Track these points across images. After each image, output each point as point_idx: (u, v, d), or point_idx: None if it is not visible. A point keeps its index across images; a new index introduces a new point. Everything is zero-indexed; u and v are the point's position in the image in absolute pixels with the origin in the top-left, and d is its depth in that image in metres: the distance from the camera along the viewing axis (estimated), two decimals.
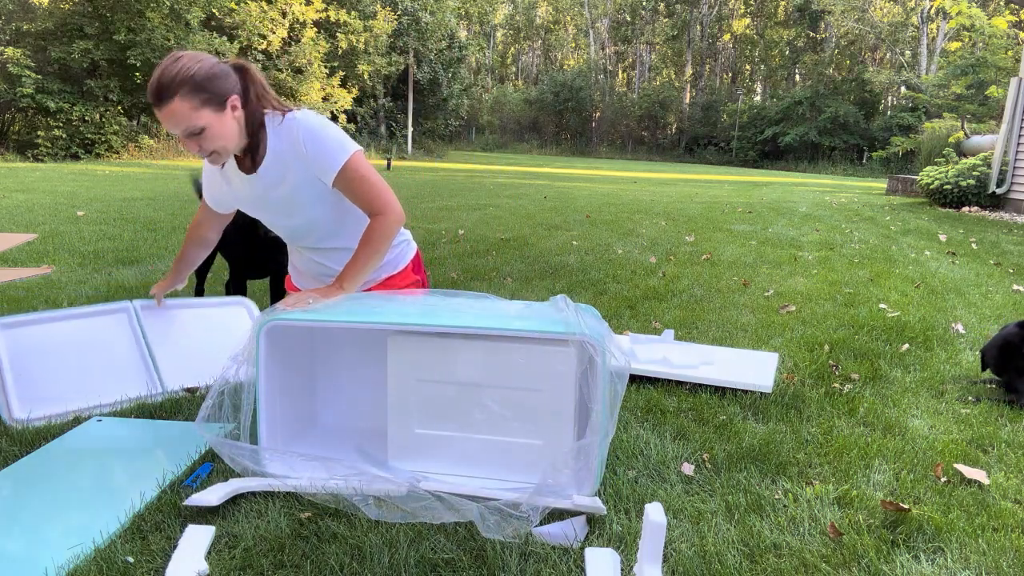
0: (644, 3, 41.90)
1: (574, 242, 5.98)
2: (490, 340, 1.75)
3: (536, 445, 1.77)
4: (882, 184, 17.41)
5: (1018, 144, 9.40)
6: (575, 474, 1.67)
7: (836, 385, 2.62)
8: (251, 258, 3.03)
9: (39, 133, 15.73)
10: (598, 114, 42.23)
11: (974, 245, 6.42)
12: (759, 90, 42.72)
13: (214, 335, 2.61)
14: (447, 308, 1.87)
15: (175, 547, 1.47)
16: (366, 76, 25.90)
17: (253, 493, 1.72)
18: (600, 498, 1.73)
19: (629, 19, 43.70)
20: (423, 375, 1.82)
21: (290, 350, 1.97)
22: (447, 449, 1.84)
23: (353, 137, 2.01)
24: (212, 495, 1.63)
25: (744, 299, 4.03)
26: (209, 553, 1.48)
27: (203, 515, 1.62)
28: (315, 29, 22.96)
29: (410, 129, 29.60)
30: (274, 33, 21.09)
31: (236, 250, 3.04)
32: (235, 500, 1.69)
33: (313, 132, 1.90)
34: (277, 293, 3.12)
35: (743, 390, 2.47)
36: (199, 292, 3.49)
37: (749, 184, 16.57)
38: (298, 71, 22.33)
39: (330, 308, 1.84)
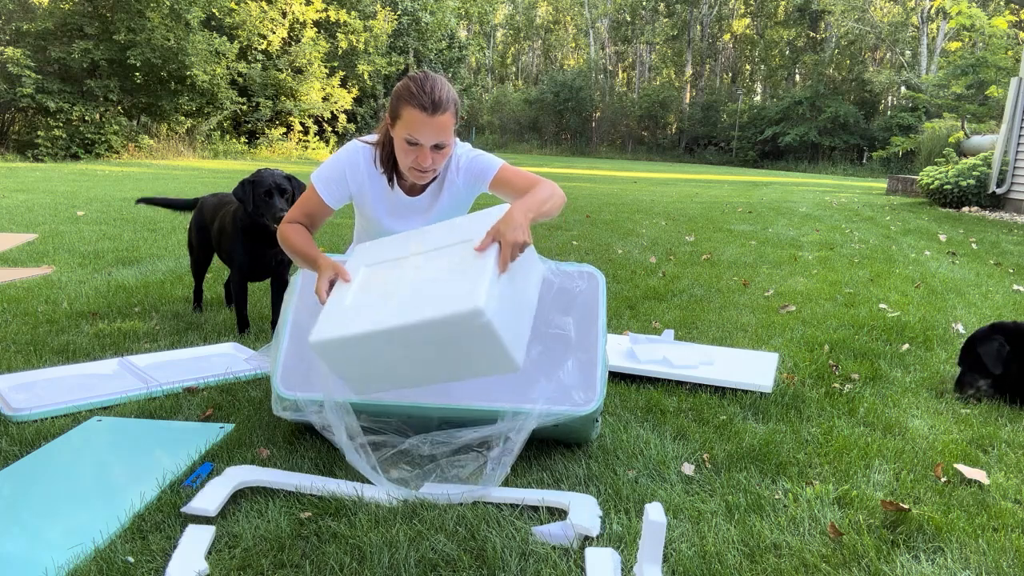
0: (644, 3, 41.82)
1: (574, 242, 5.98)
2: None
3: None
4: (882, 184, 17.41)
5: (1018, 144, 9.39)
6: (584, 378, 1.97)
7: (836, 385, 2.62)
8: (252, 263, 3.04)
9: (39, 133, 15.70)
10: (598, 114, 42.19)
11: (974, 245, 6.42)
12: (759, 90, 42.68)
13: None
14: None
15: (175, 547, 1.48)
16: (366, 76, 25.86)
17: (253, 493, 1.72)
18: (600, 497, 1.74)
19: (629, 19, 43.64)
20: None
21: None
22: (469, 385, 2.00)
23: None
24: (210, 502, 1.61)
25: (744, 299, 4.03)
26: (209, 553, 1.48)
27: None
28: (315, 29, 22.95)
29: None
30: (274, 33, 21.09)
31: (236, 255, 3.04)
32: (235, 500, 1.69)
33: (466, 155, 2.18)
34: (279, 293, 3.12)
35: (743, 390, 2.47)
36: (198, 292, 3.49)
37: (749, 184, 16.57)
38: (298, 71, 22.31)
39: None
